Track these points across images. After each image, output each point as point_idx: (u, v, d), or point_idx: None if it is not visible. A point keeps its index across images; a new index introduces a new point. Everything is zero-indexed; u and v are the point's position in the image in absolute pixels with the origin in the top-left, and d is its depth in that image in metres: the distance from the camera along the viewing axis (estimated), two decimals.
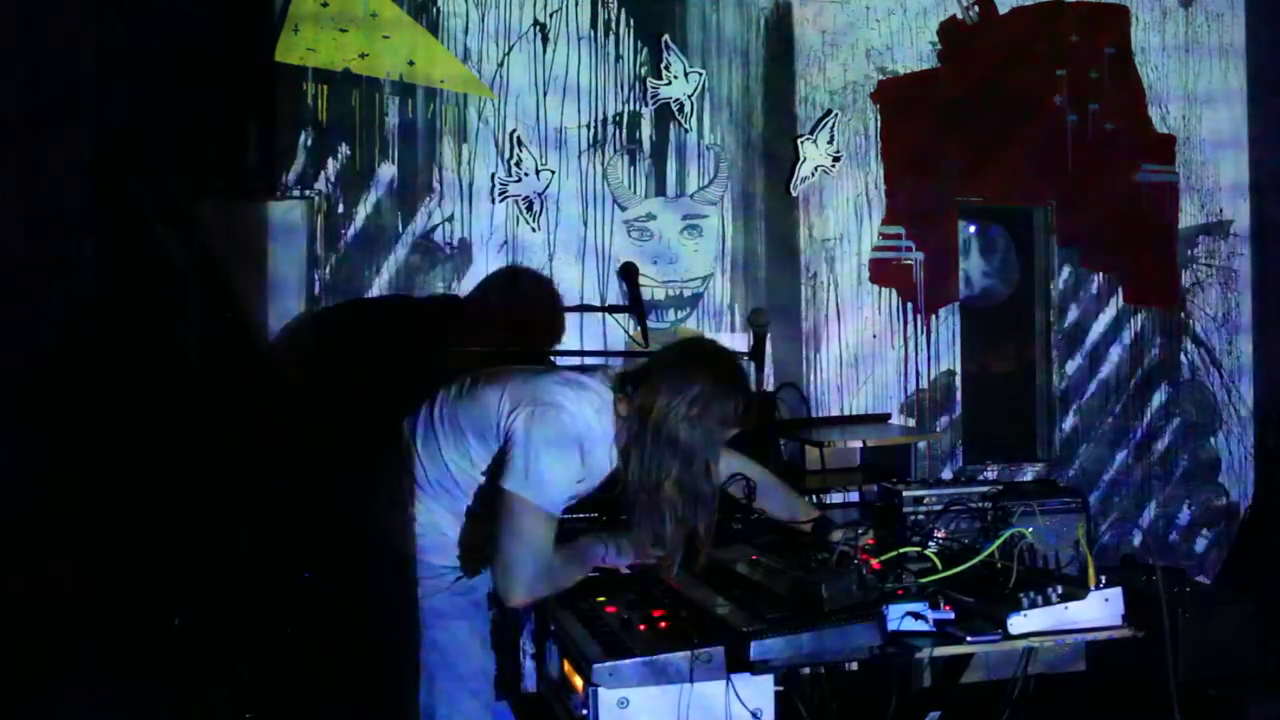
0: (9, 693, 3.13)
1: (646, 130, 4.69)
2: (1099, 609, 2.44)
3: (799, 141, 4.85)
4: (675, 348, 2.71)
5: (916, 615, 2.41)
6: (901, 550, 2.69)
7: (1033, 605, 2.40)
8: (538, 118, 4.55)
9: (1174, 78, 5.37)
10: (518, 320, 4.44)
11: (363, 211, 4.37)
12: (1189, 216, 5.40)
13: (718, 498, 2.63)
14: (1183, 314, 5.39)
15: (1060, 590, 2.45)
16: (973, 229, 5.24)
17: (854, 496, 4.18)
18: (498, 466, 2.58)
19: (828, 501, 4.13)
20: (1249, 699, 3.82)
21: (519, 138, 4.50)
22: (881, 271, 4.96)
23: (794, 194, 4.85)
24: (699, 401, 2.55)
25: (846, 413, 4.86)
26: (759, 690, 2.29)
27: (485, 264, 4.47)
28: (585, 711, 2.28)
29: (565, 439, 2.55)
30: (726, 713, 2.26)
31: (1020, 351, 5.33)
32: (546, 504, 2.51)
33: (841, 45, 4.92)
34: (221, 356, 4.18)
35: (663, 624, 2.48)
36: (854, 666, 2.89)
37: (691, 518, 2.57)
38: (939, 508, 3.02)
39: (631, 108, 4.67)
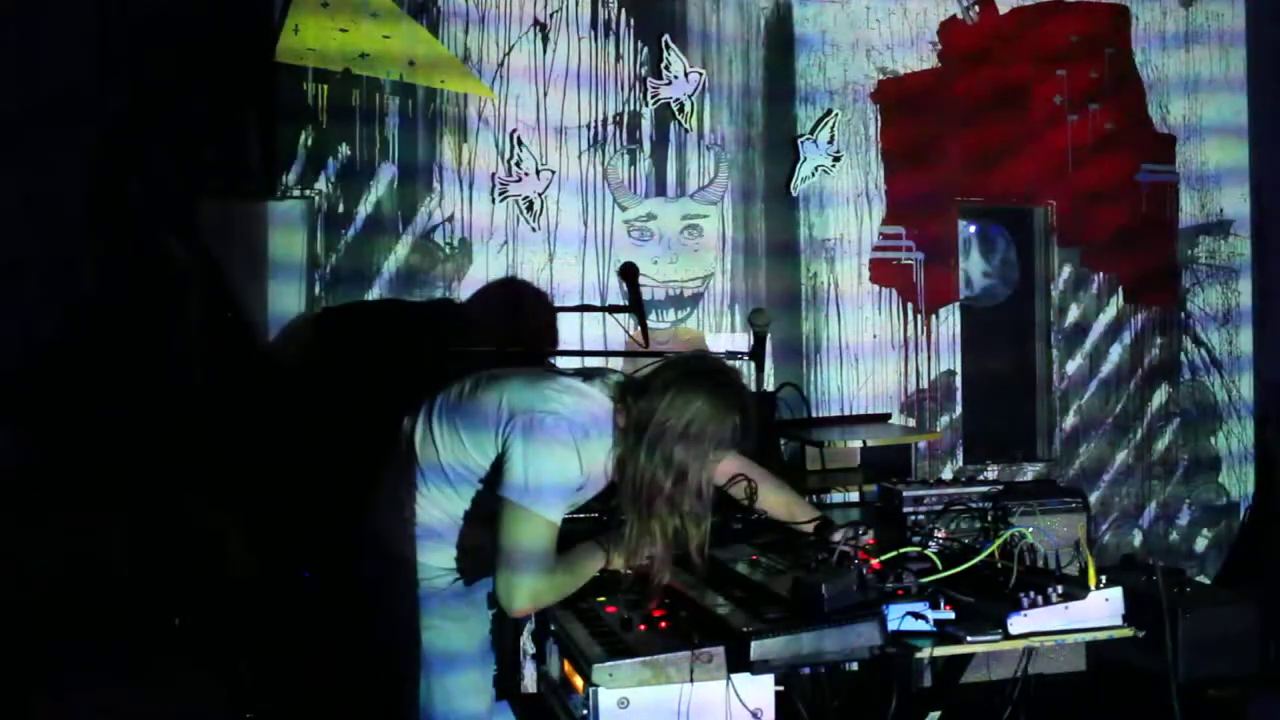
0: (9, 693, 3.13)
1: (646, 130, 4.69)
2: (1099, 609, 2.44)
3: (799, 141, 4.85)
4: (678, 363, 2.69)
5: (916, 615, 2.41)
6: (901, 550, 2.68)
7: (1033, 605, 2.40)
8: (538, 118, 4.55)
9: (1174, 77, 5.36)
10: (517, 320, 4.44)
11: (363, 211, 4.37)
12: (1189, 216, 5.40)
13: (710, 514, 2.62)
14: (1183, 314, 5.39)
15: (1060, 590, 2.45)
16: (973, 229, 5.24)
17: (854, 496, 4.18)
18: (495, 472, 2.57)
19: (828, 501, 4.12)
20: (1249, 699, 3.82)
21: (519, 138, 4.50)
22: (881, 271, 4.96)
23: (794, 194, 4.86)
24: (696, 422, 2.53)
25: (846, 413, 4.86)
26: (759, 690, 2.29)
27: (485, 264, 4.47)
28: (585, 711, 2.28)
29: (564, 447, 2.54)
30: (726, 713, 2.26)
31: (1020, 351, 5.33)
32: (546, 512, 2.50)
33: (841, 45, 4.92)
34: (221, 356, 4.19)
35: (663, 624, 2.48)
36: (854, 666, 2.89)
37: (682, 533, 2.57)
38: (939, 508, 3.02)
39: (631, 107, 4.67)
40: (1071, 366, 5.26)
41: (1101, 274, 5.28)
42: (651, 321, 4.19)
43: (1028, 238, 5.30)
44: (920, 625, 2.40)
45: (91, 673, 3.31)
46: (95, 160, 4.13)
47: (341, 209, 4.34)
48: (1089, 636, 2.48)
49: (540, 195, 4.53)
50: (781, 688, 2.37)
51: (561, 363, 3.86)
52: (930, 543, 2.78)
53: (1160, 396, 5.36)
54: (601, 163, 4.63)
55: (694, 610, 2.53)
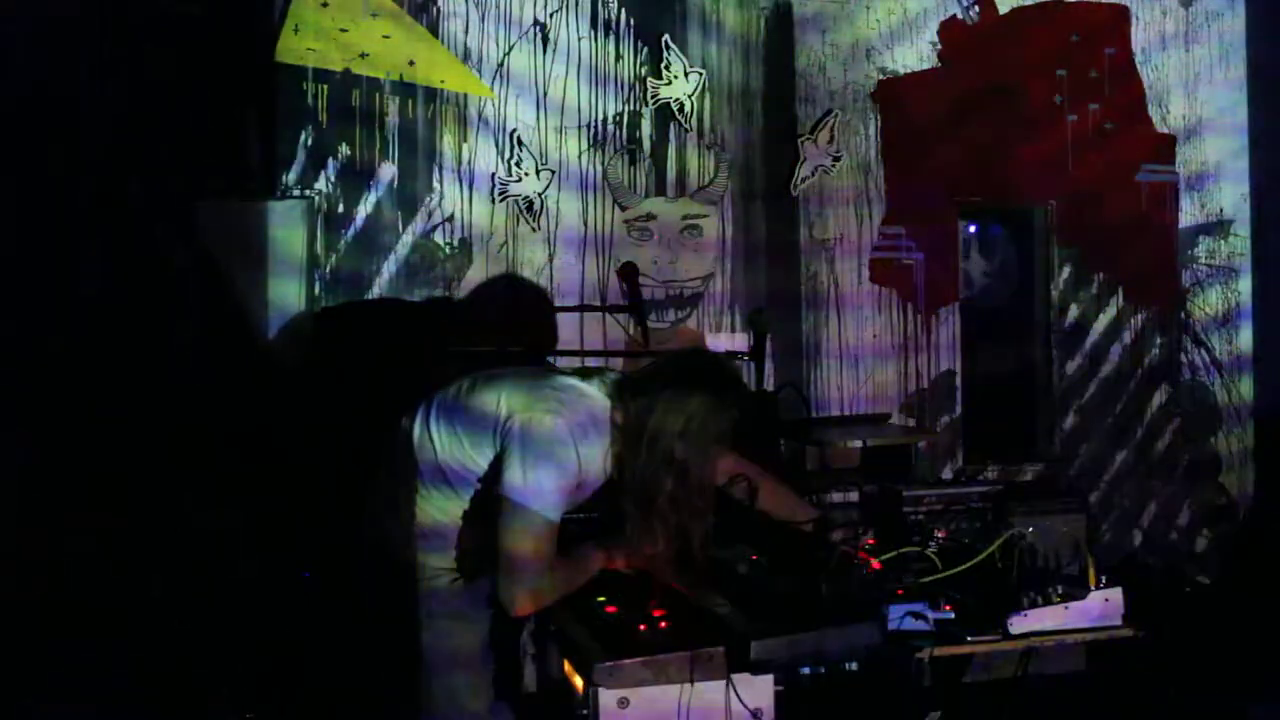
0: (9, 693, 3.13)
1: (646, 130, 4.69)
2: (1099, 609, 2.45)
3: (799, 141, 4.84)
4: (675, 360, 2.70)
5: (916, 615, 2.41)
6: (901, 550, 2.69)
7: (1033, 605, 2.41)
8: (538, 118, 4.55)
9: (1174, 77, 5.36)
10: (517, 320, 4.44)
11: (363, 211, 4.37)
12: (1189, 216, 5.39)
13: (712, 510, 2.63)
14: (1183, 314, 5.39)
15: (1060, 590, 2.46)
16: (973, 229, 5.24)
17: (854, 496, 4.17)
18: (494, 472, 2.57)
19: (828, 501, 4.12)
20: (1249, 699, 3.82)
21: (519, 138, 4.50)
22: (881, 271, 4.96)
23: (794, 194, 4.85)
24: (695, 419, 2.54)
25: (846, 413, 4.85)
26: (759, 690, 2.29)
27: (485, 264, 4.47)
28: (585, 711, 2.28)
29: (563, 445, 2.54)
30: (726, 713, 2.26)
31: (1020, 351, 5.33)
32: (546, 511, 2.50)
33: (841, 45, 4.92)
34: (221, 357, 4.18)
35: (663, 624, 2.48)
36: (854, 666, 2.88)
37: (685, 529, 2.58)
38: (939, 508, 3.02)
39: (631, 108, 4.67)
40: (1071, 366, 5.25)
41: (1101, 274, 5.27)
42: (651, 321, 4.19)
43: (1028, 238, 5.30)
44: (920, 625, 2.41)
45: (91, 673, 3.31)
46: (95, 160, 4.12)
47: (341, 209, 4.34)
48: (1089, 636, 2.48)
49: (540, 195, 4.53)
50: (781, 688, 2.37)
51: (561, 363, 3.86)
52: (930, 543, 2.79)
53: (1160, 396, 5.35)
54: (601, 163, 4.63)
55: (694, 610, 2.53)
